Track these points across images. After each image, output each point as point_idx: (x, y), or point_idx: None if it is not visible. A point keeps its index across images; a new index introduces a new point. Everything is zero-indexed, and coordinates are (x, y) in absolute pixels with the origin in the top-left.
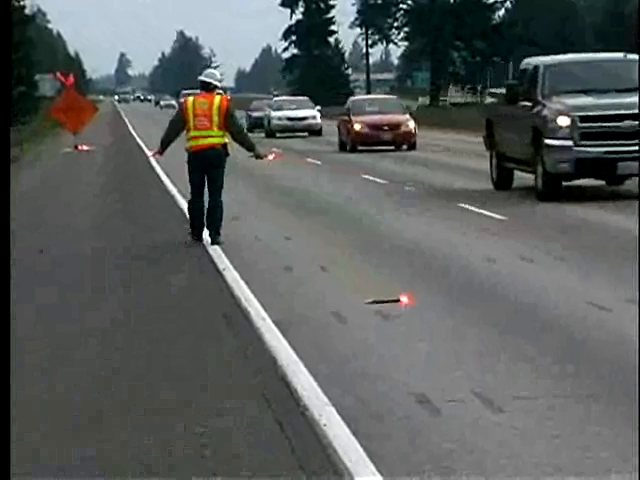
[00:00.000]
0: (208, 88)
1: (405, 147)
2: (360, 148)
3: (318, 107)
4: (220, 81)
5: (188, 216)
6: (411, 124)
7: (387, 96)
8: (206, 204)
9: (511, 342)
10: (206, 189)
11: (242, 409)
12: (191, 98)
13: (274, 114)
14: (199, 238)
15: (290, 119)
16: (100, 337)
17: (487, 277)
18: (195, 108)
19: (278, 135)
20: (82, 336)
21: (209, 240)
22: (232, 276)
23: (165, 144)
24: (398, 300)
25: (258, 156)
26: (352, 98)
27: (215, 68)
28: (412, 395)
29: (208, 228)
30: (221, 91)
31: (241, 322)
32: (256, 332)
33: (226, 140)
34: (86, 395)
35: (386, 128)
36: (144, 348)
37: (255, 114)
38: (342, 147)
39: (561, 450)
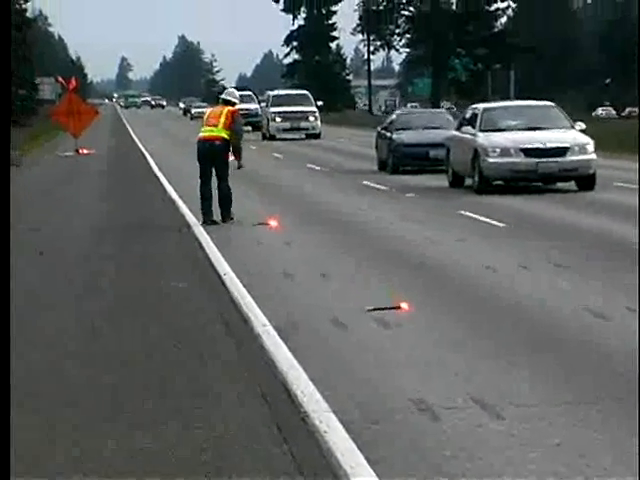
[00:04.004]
0: (228, 103)
1: None
2: None
3: (580, 123)
4: (237, 99)
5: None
6: None
7: None
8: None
9: (512, 350)
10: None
11: (242, 415)
12: (210, 109)
13: (486, 140)
14: (205, 221)
15: (531, 152)
16: (99, 340)
17: (488, 285)
18: (209, 114)
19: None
20: (82, 337)
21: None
22: (232, 281)
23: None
24: (398, 307)
25: (240, 166)
26: None
27: (216, 73)
28: (412, 401)
29: (220, 207)
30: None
31: (241, 328)
32: (256, 338)
33: (227, 137)
34: (81, 396)
35: None
36: (143, 354)
37: (409, 138)
38: None
39: (560, 457)
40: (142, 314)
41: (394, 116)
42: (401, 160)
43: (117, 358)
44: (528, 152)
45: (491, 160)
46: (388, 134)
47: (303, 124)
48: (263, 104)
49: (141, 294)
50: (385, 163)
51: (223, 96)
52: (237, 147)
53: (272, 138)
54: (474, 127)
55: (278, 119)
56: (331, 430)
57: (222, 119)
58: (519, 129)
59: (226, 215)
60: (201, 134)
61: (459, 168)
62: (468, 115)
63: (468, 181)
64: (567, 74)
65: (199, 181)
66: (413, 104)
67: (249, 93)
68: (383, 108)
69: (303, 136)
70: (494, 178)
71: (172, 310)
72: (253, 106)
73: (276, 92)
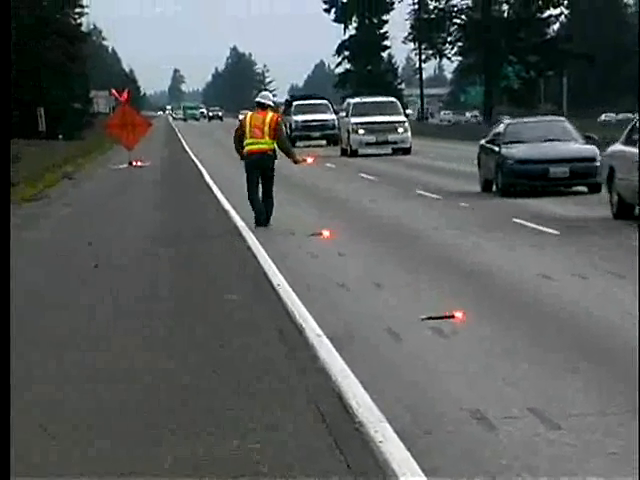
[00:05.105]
0: (263, 106)
1: None
2: None
3: None
4: (272, 101)
5: (251, 208)
6: None
7: None
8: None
9: (566, 359)
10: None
11: (297, 424)
12: (249, 114)
13: None
14: (259, 224)
15: None
16: (156, 349)
17: (541, 293)
18: (252, 122)
19: None
20: (144, 346)
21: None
22: (286, 292)
23: (237, 146)
24: (452, 316)
25: (296, 161)
26: None
27: (268, 84)
28: (467, 411)
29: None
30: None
31: (295, 337)
32: (310, 348)
33: (274, 147)
34: (139, 407)
35: None
36: (199, 364)
37: (523, 153)
38: None
39: (617, 467)
40: (193, 322)
41: (502, 127)
42: (513, 179)
43: (178, 362)
44: None
45: None
46: (495, 148)
47: (391, 137)
48: (342, 114)
49: (196, 303)
50: (491, 183)
51: (258, 99)
52: (288, 151)
53: (354, 154)
54: None
55: (361, 131)
56: (386, 440)
57: (266, 128)
58: None
59: (268, 219)
60: (249, 147)
61: (628, 194)
62: None
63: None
64: (621, 80)
65: (248, 191)
66: (446, 112)
67: (325, 102)
68: (415, 116)
69: (389, 151)
70: None
71: (226, 319)
72: (330, 117)
73: (358, 99)
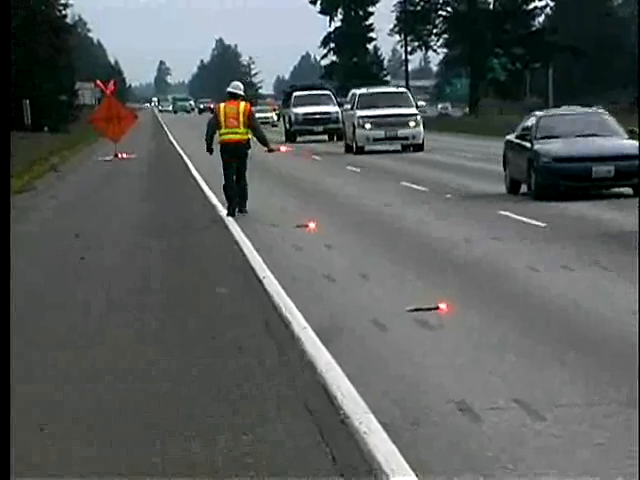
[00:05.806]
0: (235, 96)
1: None
2: None
3: None
4: (243, 91)
5: (225, 196)
6: None
7: None
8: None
9: (552, 350)
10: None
11: (283, 417)
12: (222, 104)
13: None
14: (233, 213)
15: None
16: (145, 344)
17: (527, 285)
18: (226, 112)
19: None
20: (134, 339)
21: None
22: (272, 284)
23: (209, 141)
24: (437, 308)
25: (270, 150)
26: None
27: (254, 75)
28: (452, 402)
29: (239, 199)
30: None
31: (282, 330)
32: (297, 340)
33: (249, 136)
34: (134, 405)
35: None
36: (185, 358)
37: (561, 150)
38: None
39: (605, 458)
40: (184, 319)
41: (533, 120)
42: (550, 180)
43: (167, 354)
44: None
45: None
46: (527, 144)
47: (401, 132)
48: (347, 106)
49: (184, 295)
50: (519, 184)
51: (230, 89)
52: (264, 139)
53: (359, 151)
54: None
55: (368, 126)
56: (371, 432)
57: (241, 118)
58: None
59: (243, 207)
60: (225, 137)
61: None
62: None
63: None
64: (608, 73)
65: (224, 179)
66: (421, 104)
67: (327, 93)
68: None
69: (399, 147)
70: None
71: (214, 311)
72: (332, 109)
73: (364, 90)
